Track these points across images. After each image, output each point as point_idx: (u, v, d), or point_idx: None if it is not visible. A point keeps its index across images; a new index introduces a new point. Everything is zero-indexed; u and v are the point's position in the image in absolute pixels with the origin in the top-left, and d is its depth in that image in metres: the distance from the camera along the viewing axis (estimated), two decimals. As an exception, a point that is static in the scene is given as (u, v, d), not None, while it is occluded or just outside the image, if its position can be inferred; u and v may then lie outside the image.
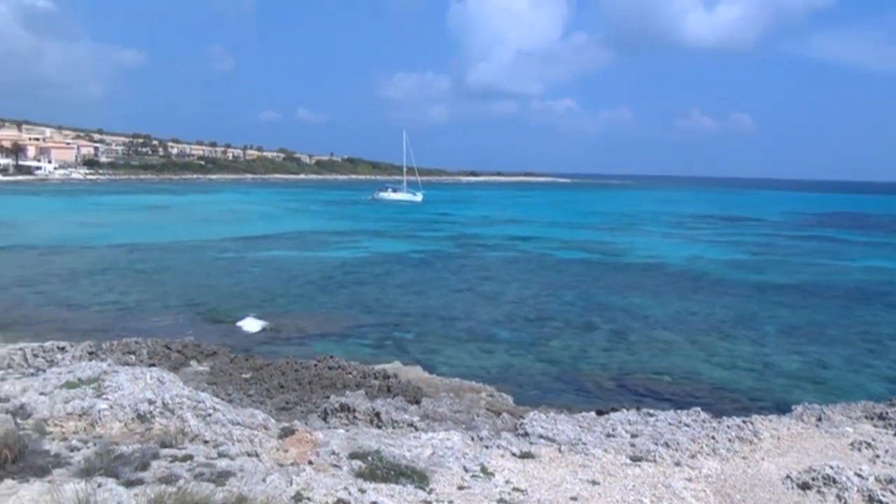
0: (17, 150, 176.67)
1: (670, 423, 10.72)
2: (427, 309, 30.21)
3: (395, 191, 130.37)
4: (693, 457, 9.10)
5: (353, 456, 7.98)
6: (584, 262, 47.13)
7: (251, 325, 26.16)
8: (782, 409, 13.71)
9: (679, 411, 11.44)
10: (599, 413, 12.42)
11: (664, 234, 70.50)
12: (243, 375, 18.45)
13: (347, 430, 10.93)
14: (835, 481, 7.96)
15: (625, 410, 12.14)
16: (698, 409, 11.58)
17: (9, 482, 6.26)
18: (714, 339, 25.73)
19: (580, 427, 10.56)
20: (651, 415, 11.44)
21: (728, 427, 10.28)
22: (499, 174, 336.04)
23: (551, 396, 18.59)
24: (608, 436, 10.02)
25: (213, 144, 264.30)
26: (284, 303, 30.90)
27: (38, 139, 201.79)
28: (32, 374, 10.81)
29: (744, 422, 10.51)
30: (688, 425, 10.61)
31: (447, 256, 48.84)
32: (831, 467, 8.25)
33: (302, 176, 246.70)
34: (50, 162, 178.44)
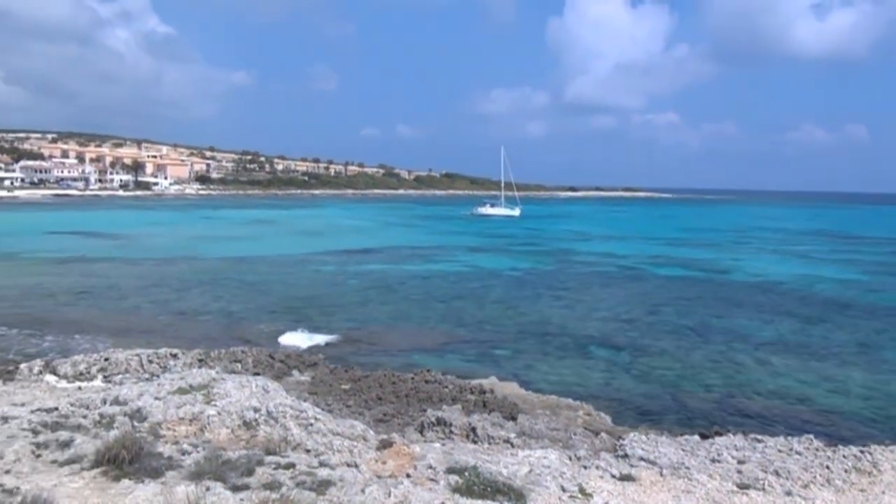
0: (136, 167, 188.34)
1: (780, 450, 10.14)
2: (523, 324, 30.07)
3: (493, 206, 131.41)
4: (806, 487, 8.64)
5: (449, 471, 7.97)
6: (686, 279, 45.96)
7: (330, 339, 26.27)
8: (905, 439, 12.81)
9: (790, 438, 10.78)
10: (703, 437, 11.88)
11: (772, 251, 67.81)
12: (343, 386, 18.79)
13: (443, 445, 10.91)
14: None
15: (731, 435, 11.56)
16: (811, 436, 10.89)
17: (126, 482, 6.59)
18: (828, 361, 24.58)
19: (683, 450, 10.13)
20: (759, 441, 10.85)
21: (844, 457, 9.69)
22: (598, 189, 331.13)
23: (651, 417, 18.14)
24: (713, 461, 9.61)
25: (317, 160, 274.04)
26: (382, 316, 31.36)
27: (155, 157, 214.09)
28: (147, 380, 11.36)
29: (861, 451, 9.95)
30: (799, 453, 10.01)
31: (544, 272, 48.58)
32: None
33: (401, 191, 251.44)
34: (166, 178, 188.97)
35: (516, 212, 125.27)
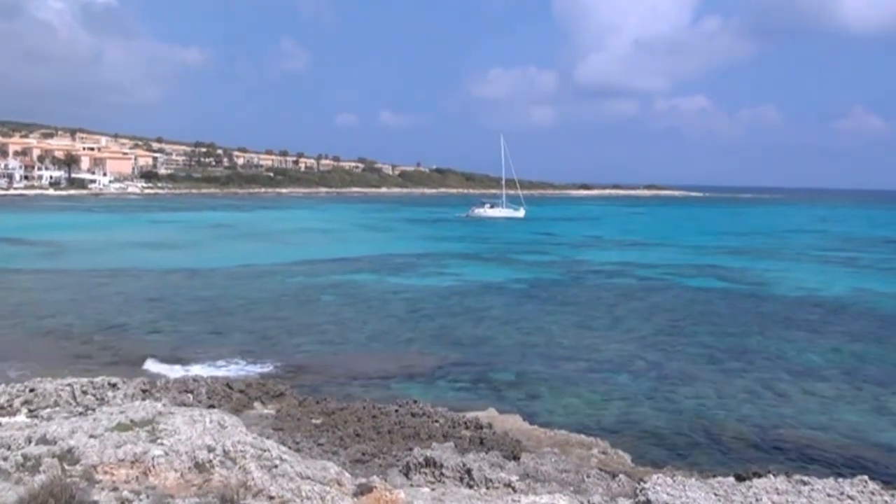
0: (70, 161, 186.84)
1: (829, 495, 10.14)
2: (528, 346, 29.97)
3: (492, 206, 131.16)
4: (859, 537, 8.64)
5: (439, 520, 7.92)
6: (720, 292, 46.05)
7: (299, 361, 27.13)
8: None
9: (840, 480, 10.79)
10: (739, 478, 11.92)
11: (820, 259, 67.99)
12: (314, 421, 18.73)
13: (433, 489, 10.87)
14: None
15: (771, 476, 11.56)
16: (865, 477, 10.89)
17: (54, 536, 6.50)
18: (886, 390, 24.54)
19: (715, 495, 10.12)
20: (805, 483, 10.85)
21: (905, 501, 9.72)
22: (616, 187, 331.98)
23: (678, 456, 18.13)
24: (750, 507, 9.64)
25: (284, 154, 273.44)
26: (361, 337, 31.28)
27: (92, 149, 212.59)
28: (81, 414, 11.27)
29: (925, 495, 9.99)
30: (852, 497, 10.00)
31: (553, 284, 48.56)
32: None
33: (384, 189, 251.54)
34: (105, 174, 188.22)
35: (520, 213, 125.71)
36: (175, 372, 24.07)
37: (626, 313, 38.13)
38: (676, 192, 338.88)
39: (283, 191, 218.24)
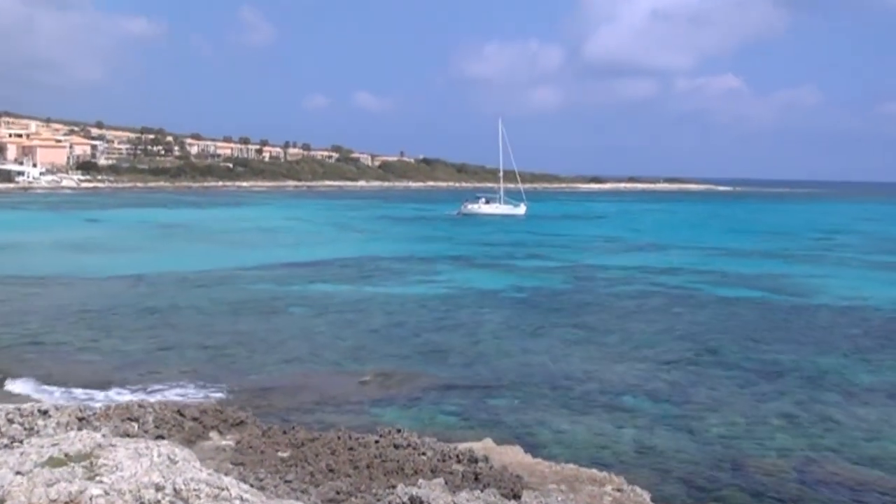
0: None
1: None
2: (530, 365, 29.92)
3: (488, 202, 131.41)
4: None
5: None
6: (753, 302, 46.11)
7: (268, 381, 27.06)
8: None
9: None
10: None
11: (866, 264, 67.94)
12: (280, 453, 18.58)
13: (420, 534, 10.81)
14: None
15: (814, 517, 11.63)
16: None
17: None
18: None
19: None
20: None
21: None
22: (631, 180, 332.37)
23: (704, 494, 18.10)
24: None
25: (245, 142, 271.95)
26: (335, 355, 31.16)
27: (20, 136, 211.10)
28: (6, 447, 11.14)
29: None
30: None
31: (558, 293, 48.64)
32: None
33: (362, 183, 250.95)
34: (35, 165, 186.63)
35: (520, 210, 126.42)
36: (116, 396, 23.77)
37: (643, 327, 38.11)
38: (701, 186, 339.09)
39: (245, 184, 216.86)
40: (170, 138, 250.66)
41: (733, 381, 28.33)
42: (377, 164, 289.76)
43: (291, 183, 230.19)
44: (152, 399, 22.56)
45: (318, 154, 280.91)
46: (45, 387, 25.28)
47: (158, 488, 8.93)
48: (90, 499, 8.69)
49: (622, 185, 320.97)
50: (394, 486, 15.28)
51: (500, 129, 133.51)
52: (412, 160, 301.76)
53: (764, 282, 55.28)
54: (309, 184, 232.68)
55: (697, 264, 65.57)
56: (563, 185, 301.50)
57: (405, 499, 13.10)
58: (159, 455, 10.15)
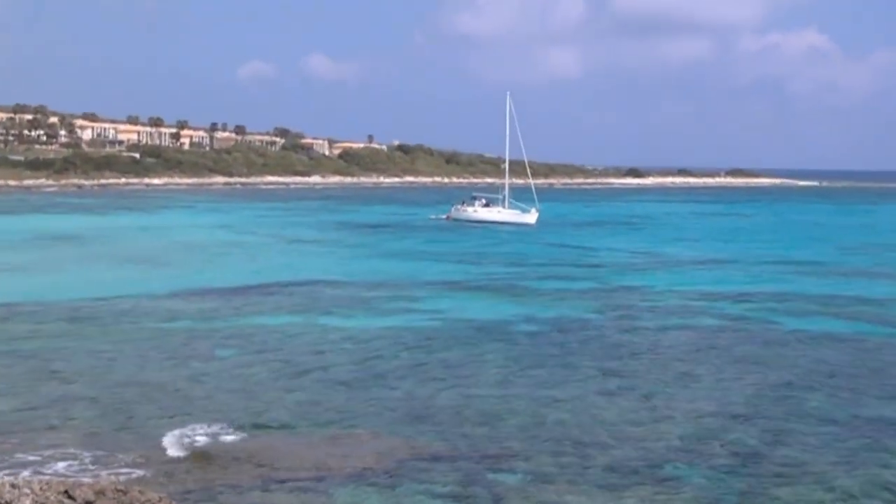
0: None
1: None
2: (546, 426, 28.17)
3: (487, 204, 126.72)
4: None
5: None
6: (847, 339, 44.17)
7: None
8: None
9: None
10: None
11: None
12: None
13: None
14: None
15: None
16: None
17: None
18: None
19: None
20: None
21: None
22: (683, 173, 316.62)
23: None
24: None
25: (157, 123, 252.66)
26: (281, 412, 29.25)
27: None
28: None
29: None
30: None
31: (584, 327, 46.63)
32: None
33: (317, 178, 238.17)
34: None
35: (530, 216, 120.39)
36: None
37: (698, 371, 36.48)
38: (775, 181, 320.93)
39: (157, 181, 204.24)
40: (54, 119, 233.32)
41: (821, 442, 26.97)
42: (337, 152, 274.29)
43: (220, 179, 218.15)
44: (31, 476, 22.64)
45: (257, 139, 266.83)
46: None
47: None
48: None
49: (669, 180, 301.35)
50: None
51: (507, 105, 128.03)
52: (384, 147, 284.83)
53: (863, 311, 53.43)
54: (244, 180, 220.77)
55: (772, 287, 63.03)
56: (590, 179, 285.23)
57: None
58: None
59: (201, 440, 26.55)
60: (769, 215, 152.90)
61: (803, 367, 37.64)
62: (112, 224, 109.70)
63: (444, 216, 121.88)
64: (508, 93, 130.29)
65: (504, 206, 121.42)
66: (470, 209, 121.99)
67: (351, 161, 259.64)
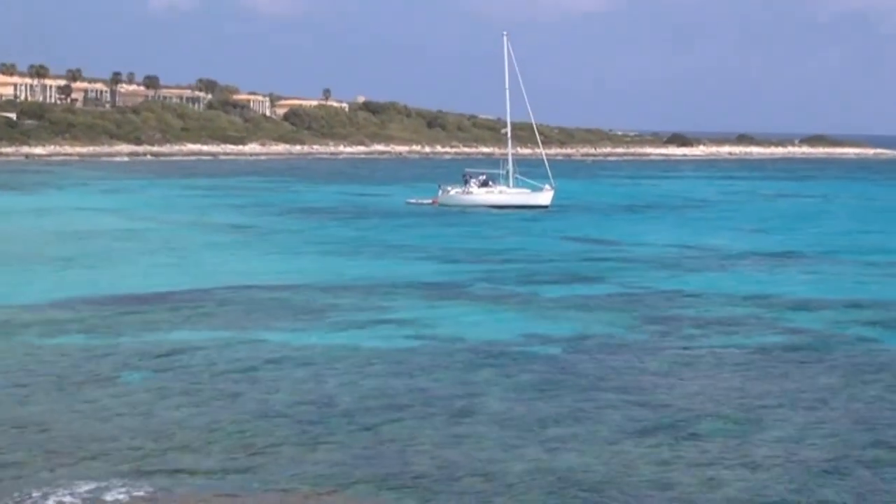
0: None
1: None
2: (565, 482, 25.76)
3: (486, 183, 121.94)
4: None
5: None
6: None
7: None
8: None
9: None
10: None
11: None
12: None
13: None
14: None
15: None
16: None
17: None
18: None
19: None
20: None
21: None
22: (741, 140, 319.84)
23: None
24: None
25: (41, 74, 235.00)
26: (210, 462, 26.99)
27: None
28: None
29: None
30: None
31: (615, 348, 43.86)
32: None
33: (254, 147, 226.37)
34: None
35: (543, 196, 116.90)
36: None
37: (768, 406, 34.17)
38: (867, 151, 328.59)
39: (39, 150, 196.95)
40: None
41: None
42: (281, 112, 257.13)
43: (125, 147, 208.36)
44: None
45: (175, 95, 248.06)
46: None
47: None
48: None
49: (725, 150, 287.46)
50: None
51: (506, 48, 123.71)
52: (345, 106, 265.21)
53: None
54: (157, 149, 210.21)
55: (865, 292, 60.62)
56: (620, 149, 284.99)
57: None
58: None
59: (96, 495, 25.43)
60: (858, 196, 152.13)
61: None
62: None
63: (428, 200, 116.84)
64: (505, 33, 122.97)
65: (508, 185, 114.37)
66: (464, 190, 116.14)
67: (300, 124, 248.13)
